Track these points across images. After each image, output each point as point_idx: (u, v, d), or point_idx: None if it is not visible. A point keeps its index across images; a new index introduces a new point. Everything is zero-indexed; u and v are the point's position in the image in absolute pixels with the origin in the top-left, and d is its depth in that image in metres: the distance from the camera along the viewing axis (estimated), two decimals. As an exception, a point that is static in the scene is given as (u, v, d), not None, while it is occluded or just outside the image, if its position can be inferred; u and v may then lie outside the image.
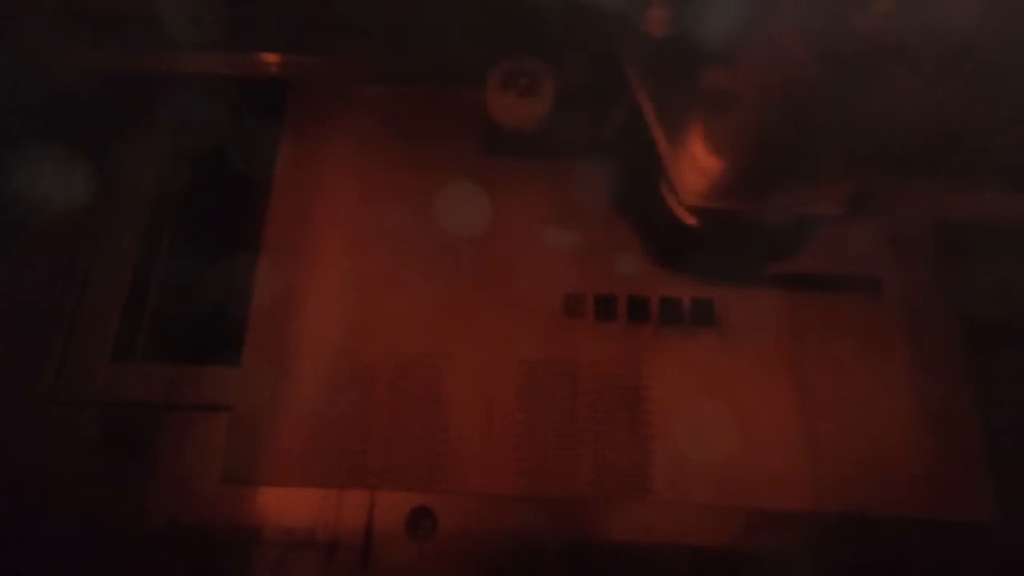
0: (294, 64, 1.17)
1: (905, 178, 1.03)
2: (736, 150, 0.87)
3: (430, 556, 0.89)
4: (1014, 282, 0.95)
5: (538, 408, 0.96)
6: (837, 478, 0.92)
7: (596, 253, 1.04)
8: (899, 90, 0.72)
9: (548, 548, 0.89)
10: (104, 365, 0.98)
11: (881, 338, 0.99)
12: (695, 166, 0.89)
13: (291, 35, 1.15)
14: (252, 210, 1.08)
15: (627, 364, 0.98)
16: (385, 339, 0.99)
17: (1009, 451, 0.92)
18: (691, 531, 0.90)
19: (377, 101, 1.15)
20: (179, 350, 1.03)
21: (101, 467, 0.93)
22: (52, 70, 1.07)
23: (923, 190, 1.05)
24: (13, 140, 1.04)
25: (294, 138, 1.12)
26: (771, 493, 0.91)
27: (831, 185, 0.88)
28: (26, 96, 1.06)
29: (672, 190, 0.91)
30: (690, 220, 0.93)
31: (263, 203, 1.08)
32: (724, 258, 1.00)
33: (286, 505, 0.91)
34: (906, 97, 0.75)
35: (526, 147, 1.08)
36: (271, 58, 1.17)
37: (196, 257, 1.11)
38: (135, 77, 1.14)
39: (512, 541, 0.90)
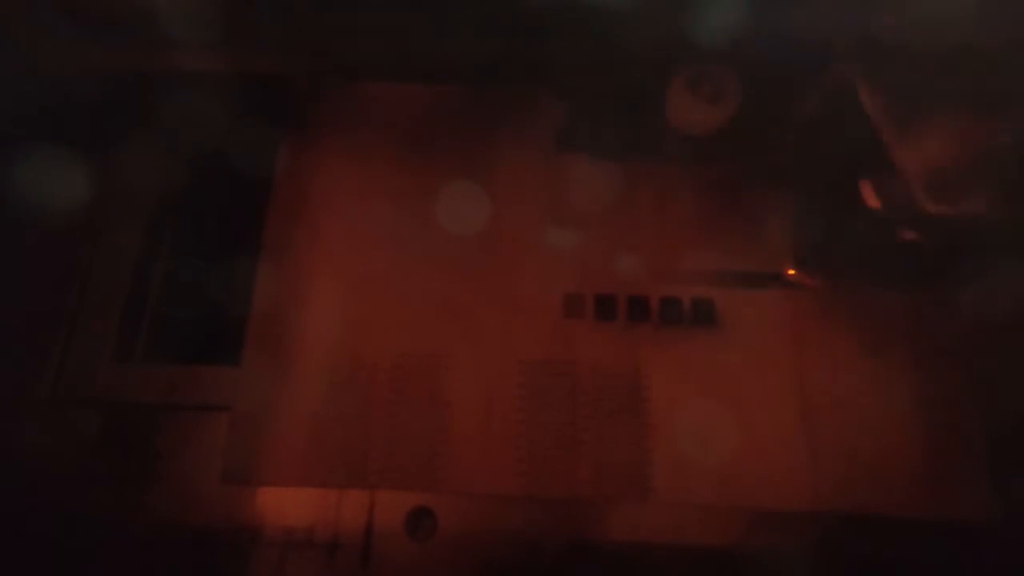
0: (294, 62, 1.17)
1: None
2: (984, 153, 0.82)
3: (430, 556, 0.89)
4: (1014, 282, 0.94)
5: (538, 408, 0.96)
6: (837, 478, 0.92)
7: (596, 252, 1.04)
8: None
9: (548, 548, 0.89)
10: (104, 365, 0.98)
11: (881, 338, 0.99)
12: (929, 167, 0.84)
13: (291, 33, 1.15)
14: (252, 210, 1.08)
15: (627, 364, 0.98)
16: (385, 339, 0.99)
17: (1009, 451, 0.92)
18: (691, 531, 0.90)
19: (377, 99, 1.15)
20: (179, 350, 1.03)
21: (101, 467, 0.93)
22: (52, 70, 1.07)
23: None
24: (13, 140, 1.04)
25: (294, 138, 1.12)
26: (771, 493, 0.91)
27: None
28: (26, 96, 1.06)
29: (889, 191, 0.89)
30: (907, 228, 0.91)
31: (263, 203, 1.08)
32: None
33: (286, 505, 0.91)
34: None
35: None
36: (271, 56, 1.17)
37: (196, 257, 1.11)
38: (135, 76, 1.13)
39: (512, 541, 0.90)
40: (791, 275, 1.01)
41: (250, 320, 1.00)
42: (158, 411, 0.96)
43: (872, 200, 0.92)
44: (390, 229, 1.06)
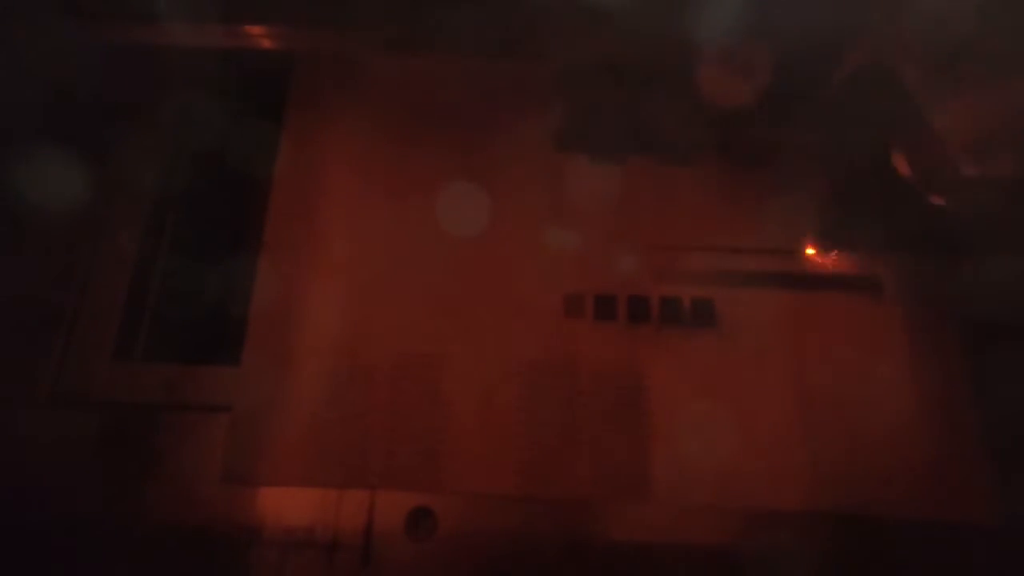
0: (295, 37, 1.17)
1: None
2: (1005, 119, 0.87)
3: (430, 556, 0.89)
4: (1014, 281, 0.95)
5: (538, 408, 0.96)
6: (837, 478, 0.92)
7: (596, 252, 1.04)
8: None
9: (548, 548, 0.89)
10: (104, 365, 0.98)
11: (881, 338, 0.99)
12: (967, 130, 0.89)
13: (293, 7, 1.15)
14: (252, 210, 1.08)
15: (627, 364, 0.98)
16: (385, 339, 0.99)
17: (1009, 451, 0.92)
18: (691, 531, 0.90)
19: (379, 77, 1.15)
20: (179, 350, 1.03)
21: (101, 467, 0.93)
22: (51, 49, 1.06)
23: None
24: (13, 139, 1.04)
25: (295, 124, 1.12)
26: (771, 493, 0.91)
27: None
28: (26, 95, 1.06)
29: (920, 162, 0.92)
30: (938, 194, 0.94)
31: (263, 203, 1.08)
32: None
33: (286, 505, 0.91)
34: None
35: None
36: (272, 30, 1.17)
37: (196, 257, 1.11)
38: (136, 53, 1.13)
39: (512, 541, 0.89)
40: (810, 254, 1.02)
41: (250, 320, 1.00)
42: (158, 411, 0.96)
43: (904, 169, 0.94)
44: (390, 228, 1.06)
